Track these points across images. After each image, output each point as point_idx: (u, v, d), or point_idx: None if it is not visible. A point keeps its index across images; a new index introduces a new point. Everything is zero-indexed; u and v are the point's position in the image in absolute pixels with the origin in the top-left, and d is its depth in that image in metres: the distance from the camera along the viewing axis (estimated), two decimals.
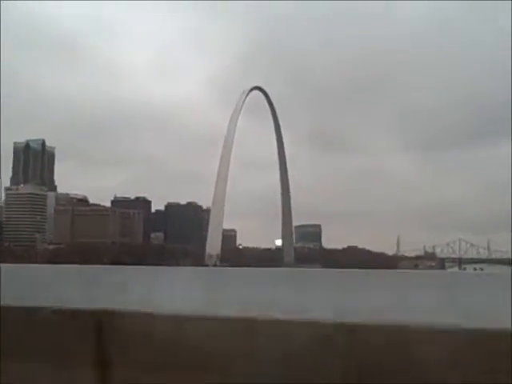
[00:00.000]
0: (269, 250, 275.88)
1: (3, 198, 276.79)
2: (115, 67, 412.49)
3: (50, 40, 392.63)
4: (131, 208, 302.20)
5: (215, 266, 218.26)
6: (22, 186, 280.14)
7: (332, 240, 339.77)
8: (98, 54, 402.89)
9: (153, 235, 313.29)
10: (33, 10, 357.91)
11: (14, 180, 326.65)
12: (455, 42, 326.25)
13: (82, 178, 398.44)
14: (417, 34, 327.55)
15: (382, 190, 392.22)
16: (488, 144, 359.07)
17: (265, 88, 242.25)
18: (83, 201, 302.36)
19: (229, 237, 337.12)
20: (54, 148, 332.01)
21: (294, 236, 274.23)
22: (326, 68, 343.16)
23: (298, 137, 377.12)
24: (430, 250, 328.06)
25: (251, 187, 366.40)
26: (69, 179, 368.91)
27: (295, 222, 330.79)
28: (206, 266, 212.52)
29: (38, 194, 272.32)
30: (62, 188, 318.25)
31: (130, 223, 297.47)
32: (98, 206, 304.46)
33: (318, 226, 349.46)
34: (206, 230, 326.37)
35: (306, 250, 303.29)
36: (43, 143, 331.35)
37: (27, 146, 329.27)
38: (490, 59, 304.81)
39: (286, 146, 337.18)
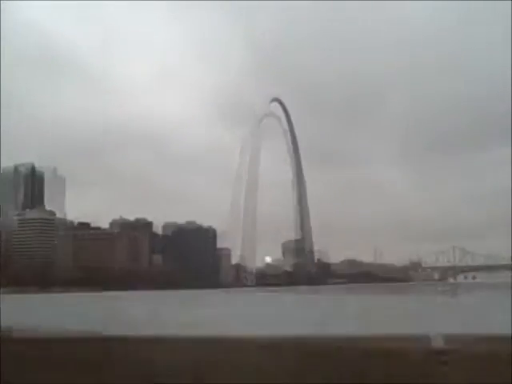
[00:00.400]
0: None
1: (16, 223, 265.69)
2: (111, 82, 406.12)
3: (42, 55, 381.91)
4: (131, 230, 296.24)
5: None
6: (28, 210, 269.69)
7: (322, 253, 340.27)
8: (94, 69, 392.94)
9: (154, 257, 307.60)
10: (23, 26, 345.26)
11: (3, 204, 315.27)
12: (453, 49, 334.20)
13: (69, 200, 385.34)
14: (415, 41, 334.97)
15: (369, 202, 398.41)
16: (478, 150, 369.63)
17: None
18: (84, 224, 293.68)
19: (224, 256, 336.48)
20: (43, 172, 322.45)
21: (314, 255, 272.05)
22: (324, 81, 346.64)
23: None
24: (414, 259, 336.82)
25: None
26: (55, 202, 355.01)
27: (284, 238, 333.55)
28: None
29: (47, 219, 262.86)
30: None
31: (136, 246, 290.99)
32: (99, 229, 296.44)
33: (303, 242, 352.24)
34: (212, 250, 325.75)
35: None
36: (33, 167, 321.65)
37: (16, 170, 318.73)
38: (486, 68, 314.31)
39: (278, 158, 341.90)
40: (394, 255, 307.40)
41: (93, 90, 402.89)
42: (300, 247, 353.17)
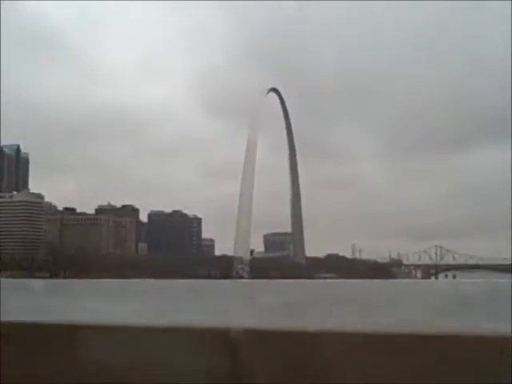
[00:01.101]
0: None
1: None
2: (97, 68, 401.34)
3: (29, 38, 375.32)
4: (118, 216, 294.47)
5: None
6: (15, 193, 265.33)
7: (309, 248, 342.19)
8: (80, 54, 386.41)
9: (140, 245, 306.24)
10: (11, 5, 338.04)
11: None
12: (443, 44, 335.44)
13: (52, 185, 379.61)
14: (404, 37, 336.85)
15: (351, 198, 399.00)
16: (462, 149, 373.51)
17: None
18: (70, 209, 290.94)
19: (207, 246, 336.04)
20: (28, 154, 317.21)
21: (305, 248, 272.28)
22: (314, 73, 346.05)
23: (277, 141, 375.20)
24: (395, 257, 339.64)
25: (219, 195, 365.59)
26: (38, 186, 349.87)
27: (264, 231, 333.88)
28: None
29: (33, 202, 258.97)
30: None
31: (123, 233, 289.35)
32: (85, 214, 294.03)
33: (289, 235, 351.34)
34: (197, 240, 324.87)
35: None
36: (18, 149, 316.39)
37: (1, 151, 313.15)
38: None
39: (263, 150, 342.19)
40: (373, 253, 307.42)
41: (77, 75, 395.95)
42: (285, 240, 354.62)
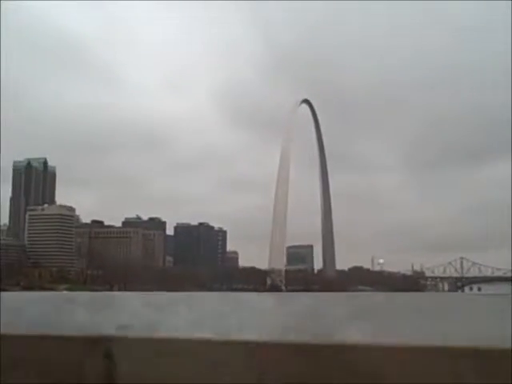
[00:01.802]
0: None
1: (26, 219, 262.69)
2: (119, 80, 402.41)
3: (53, 50, 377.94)
4: (145, 229, 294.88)
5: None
6: (47, 206, 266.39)
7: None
8: (104, 66, 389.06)
9: (167, 258, 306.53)
10: (34, 18, 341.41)
11: (15, 200, 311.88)
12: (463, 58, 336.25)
13: (76, 197, 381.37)
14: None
15: (370, 210, 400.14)
16: (483, 162, 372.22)
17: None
18: (98, 222, 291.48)
19: (231, 258, 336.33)
20: (55, 167, 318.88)
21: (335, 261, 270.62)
22: (338, 87, 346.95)
23: (301, 154, 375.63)
24: (418, 270, 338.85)
25: (243, 209, 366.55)
26: (63, 199, 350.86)
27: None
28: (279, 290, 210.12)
29: (66, 215, 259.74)
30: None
31: (152, 246, 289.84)
32: (113, 227, 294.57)
33: (310, 247, 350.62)
34: (222, 252, 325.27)
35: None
36: (45, 162, 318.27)
37: (29, 165, 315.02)
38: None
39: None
40: (393, 265, 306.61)
41: (104, 90, 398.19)
42: (306, 252, 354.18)
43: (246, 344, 4.42)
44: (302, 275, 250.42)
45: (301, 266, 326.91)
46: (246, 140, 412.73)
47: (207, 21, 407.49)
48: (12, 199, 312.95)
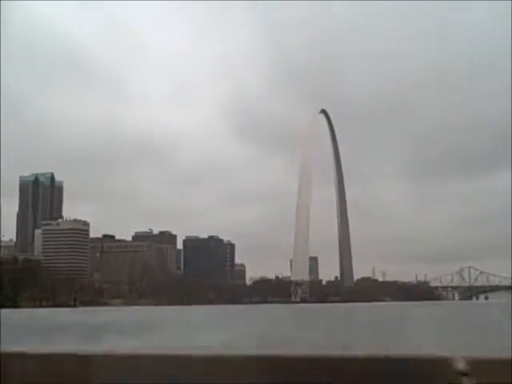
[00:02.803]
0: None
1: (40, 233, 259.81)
2: (125, 90, 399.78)
3: (56, 59, 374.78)
4: (157, 243, 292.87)
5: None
6: (61, 220, 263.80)
7: (326, 272, 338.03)
8: (109, 76, 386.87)
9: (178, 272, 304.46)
10: (36, 24, 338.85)
11: (23, 215, 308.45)
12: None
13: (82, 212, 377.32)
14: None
15: (371, 220, 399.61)
16: (490, 170, 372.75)
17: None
18: (109, 236, 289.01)
19: (239, 271, 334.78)
20: (62, 182, 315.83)
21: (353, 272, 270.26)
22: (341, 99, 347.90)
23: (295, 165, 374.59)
24: (421, 279, 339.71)
25: (245, 221, 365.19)
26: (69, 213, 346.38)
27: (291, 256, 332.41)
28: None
29: (80, 230, 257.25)
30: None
31: (164, 259, 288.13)
32: (124, 241, 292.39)
33: (315, 259, 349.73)
34: (230, 265, 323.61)
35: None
36: (52, 177, 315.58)
37: (36, 180, 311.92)
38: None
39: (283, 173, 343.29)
40: (394, 275, 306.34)
41: (106, 97, 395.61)
42: (311, 264, 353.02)
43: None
44: (316, 286, 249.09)
45: (313, 277, 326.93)
46: (252, 153, 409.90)
47: (216, 30, 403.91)
48: (19, 214, 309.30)
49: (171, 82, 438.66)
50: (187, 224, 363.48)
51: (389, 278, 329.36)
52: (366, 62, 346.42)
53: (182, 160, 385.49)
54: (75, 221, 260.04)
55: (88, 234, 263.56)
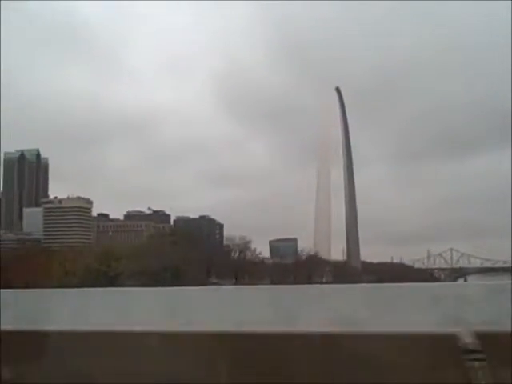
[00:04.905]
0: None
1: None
2: (120, 66, 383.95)
3: (47, 30, 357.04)
4: (154, 222, 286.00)
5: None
6: (65, 198, 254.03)
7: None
8: (101, 53, 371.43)
9: None
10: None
11: (7, 193, 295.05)
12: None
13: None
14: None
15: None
16: (474, 152, 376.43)
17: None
18: (104, 215, 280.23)
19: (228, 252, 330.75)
20: (47, 158, 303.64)
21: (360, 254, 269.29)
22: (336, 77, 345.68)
23: (288, 146, 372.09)
24: (397, 261, 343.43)
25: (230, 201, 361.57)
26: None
27: (270, 237, 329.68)
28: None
29: (84, 208, 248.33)
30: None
31: (161, 239, 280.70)
32: (118, 220, 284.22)
33: (294, 240, 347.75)
34: (221, 245, 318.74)
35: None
36: (38, 153, 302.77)
37: (22, 156, 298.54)
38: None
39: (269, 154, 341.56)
40: (368, 256, 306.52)
41: (94, 69, 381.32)
42: (290, 246, 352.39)
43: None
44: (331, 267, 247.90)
45: (287, 261, 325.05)
46: (240, 131, 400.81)
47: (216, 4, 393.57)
48: (3, 193, 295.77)
49: (164, 56, 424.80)
50: (173, 203, 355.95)
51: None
52: (366, 40, 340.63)
53: (166, 138, 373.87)
54: (78, 198, 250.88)
55: (91, 213, 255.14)
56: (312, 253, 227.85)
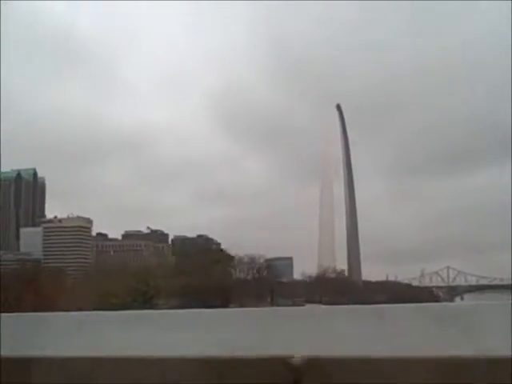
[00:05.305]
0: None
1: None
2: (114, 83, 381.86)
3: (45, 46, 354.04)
4: (153, 242, 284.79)
5: None
6: (65, 217, 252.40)
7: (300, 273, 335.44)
8: (95, 63, 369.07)
9: None
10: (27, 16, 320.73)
11: (4, 212, 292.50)
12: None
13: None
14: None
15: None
16: (470, 169, 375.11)
17: None
18: (102, 235, 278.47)
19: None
20: (44, 178, 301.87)
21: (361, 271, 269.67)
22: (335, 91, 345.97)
23: (285, 163, 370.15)
24: (392, 279, 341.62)
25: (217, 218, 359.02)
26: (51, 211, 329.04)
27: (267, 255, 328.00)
28: None
29: (84, 227, 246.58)
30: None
31: (161, 259, 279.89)
32: (117, 240, 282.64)
33: (290, 259, 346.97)
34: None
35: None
36: (35, 173, 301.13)
37: (19, 176, 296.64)
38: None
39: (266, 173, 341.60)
40: (371, 274, 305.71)
41: (96, 90, 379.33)
42: (287, 264, 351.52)
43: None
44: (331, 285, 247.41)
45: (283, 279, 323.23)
46: (236, 149, 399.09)
47: (213, 22, 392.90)
48: (0, 213, 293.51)
49: (161, 72, 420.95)
50: (169, 222, 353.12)
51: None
52: (365, 54, 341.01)
53: (162, 156, 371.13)
54: (78, 218, 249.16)
55: (91, 232, 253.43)
56: (321, 270, 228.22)
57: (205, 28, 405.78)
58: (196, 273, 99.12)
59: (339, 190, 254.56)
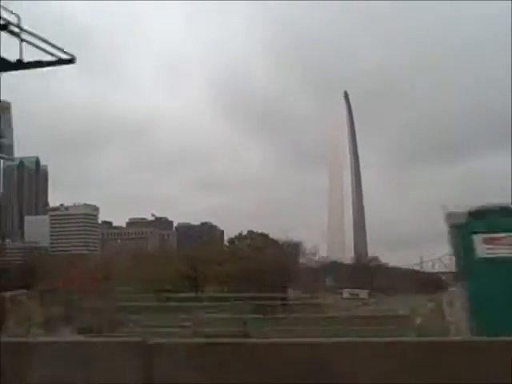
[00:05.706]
0: None
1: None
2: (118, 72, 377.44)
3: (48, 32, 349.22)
4: (158, 229, 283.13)
5: None
6: (73, 205, 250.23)
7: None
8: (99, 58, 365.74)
9: None
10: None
11: (6, 201, 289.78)
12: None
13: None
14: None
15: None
16: (467, 157, 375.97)
17: None
18: (107, 223, 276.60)
19: None
20: (46, 166, 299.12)
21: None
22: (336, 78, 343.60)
23: (277, 149, 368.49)
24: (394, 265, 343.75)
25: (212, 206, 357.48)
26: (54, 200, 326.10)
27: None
28: None
29: (91, 215, 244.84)
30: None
31: (167, 247, 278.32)
32: (122, 228, 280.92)
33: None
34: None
35: None
36: (37, 161, 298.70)
37: (21, 164, 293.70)
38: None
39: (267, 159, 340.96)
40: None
41: (98, 79, 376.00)
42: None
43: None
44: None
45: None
46: (236, 136, 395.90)
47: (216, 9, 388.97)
48: (3, 201, 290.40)
49: (160, 61, 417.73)
50: (171, 209, 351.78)
51: None
52: (366, 41, 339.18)
53: (163, 143, 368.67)
54: (85, 205, 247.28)
55: (97, 219, 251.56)
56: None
57: (205, 15, 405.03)
58: (253, 257, 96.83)
59: (347, 177, 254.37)
